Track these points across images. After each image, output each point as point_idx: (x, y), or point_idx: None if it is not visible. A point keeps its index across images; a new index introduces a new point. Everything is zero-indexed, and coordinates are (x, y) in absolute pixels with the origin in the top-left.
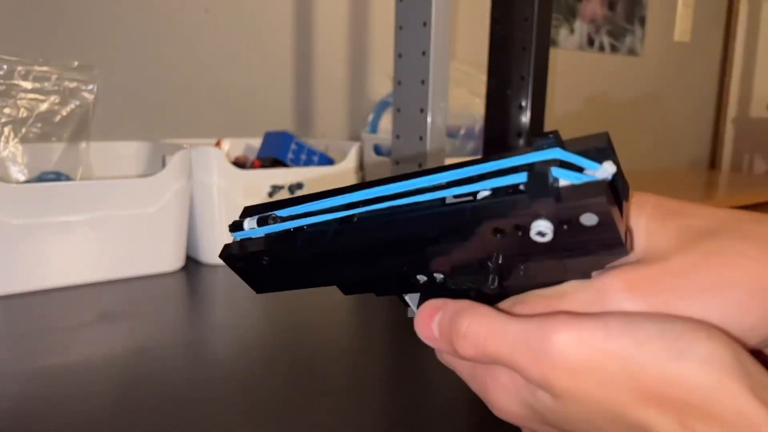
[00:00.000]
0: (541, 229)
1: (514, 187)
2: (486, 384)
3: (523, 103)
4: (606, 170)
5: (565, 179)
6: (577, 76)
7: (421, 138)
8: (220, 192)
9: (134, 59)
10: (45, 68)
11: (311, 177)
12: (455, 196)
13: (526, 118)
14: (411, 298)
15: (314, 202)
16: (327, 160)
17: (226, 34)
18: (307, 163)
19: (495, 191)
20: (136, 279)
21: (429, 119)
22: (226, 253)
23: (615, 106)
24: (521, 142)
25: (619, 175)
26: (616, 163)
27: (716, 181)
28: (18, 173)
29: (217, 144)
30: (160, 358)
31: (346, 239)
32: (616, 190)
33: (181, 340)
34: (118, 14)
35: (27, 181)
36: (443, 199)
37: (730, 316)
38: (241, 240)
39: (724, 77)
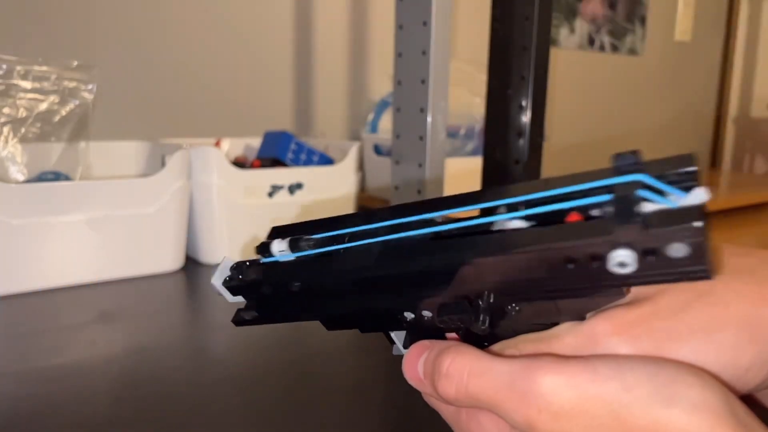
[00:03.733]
0: (623, 259)
1: (584, 213)
2: (470, 428)
3: (524, 103)
4: (699, 196)
5: (652, 204)
6: (578, 75)
7: (421, 138)
8: (219, 192)
9: (134, 59)
10: (44, 68)
11: (311, 177)
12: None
13: (526, 118)
14: (397, 336)
15: (347, 227)
16: (327, 160)
17: (226, 34)
18: (307, 162)
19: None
20: (136, 279)
21: (429, 119)
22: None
23: (615, 105)
24: (521, 142)
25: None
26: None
27: (717, 180)
28: (17, 173)
29: (217, 144)
30: (160, 358)
31: (388, 263)
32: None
33: (180, 340)
34: (118, 14)
35: (26, 181)
36: (490, 225)
37: (724, 358)
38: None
39: (724, 77)
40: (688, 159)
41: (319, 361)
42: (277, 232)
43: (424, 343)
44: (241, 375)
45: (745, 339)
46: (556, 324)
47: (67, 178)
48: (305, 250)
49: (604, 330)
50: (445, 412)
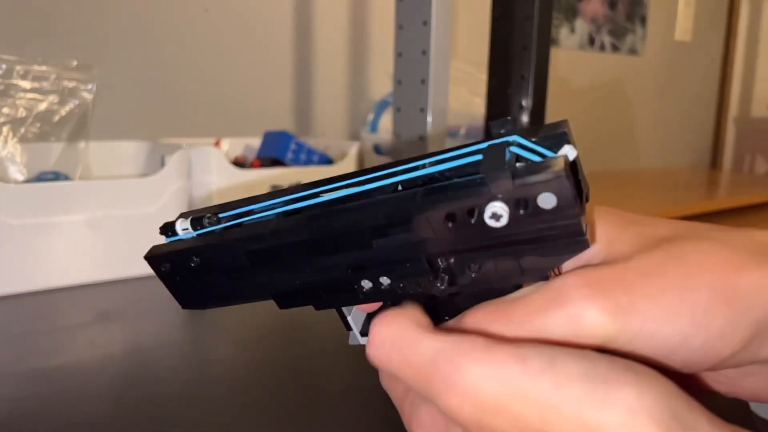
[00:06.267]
0: (496, 210)
1: (468, 172)
2: (410, 418)
3: (524, 103)
4: (566, 151)
5: (522, 160)
6: (578, 75)
7: (421, 138)
8: (219, 192)
9: (134, 59)
10: (44, 68)
11: (311, 177)
12: (403, 185)
13: (526, 118)
14: (354, 320)
15: (257, 203)
16: (327, 160)
17: (226, 34)
18: (307, 162)
19: (446, 176)
20: (136, 279)
21: (429, 119)
22: (151, 253)
23: (616, 105)
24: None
25: (579, 167)
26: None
27: (717, 180)
28: (16, 173)
29: (217, 144)
30: (159, 358)
31: (287, 232)
32: (577, 179)
33: (180, 341)
34: (118, 14)
35: (26, 181)
36: (395, 186)
37: (697, 318)
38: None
39: (725, 77)
40: (559, 124)
41: (319, 361)
42: (183, 215)
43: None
44: (240, 375)
45: (719, 302)
46: (519, 287)
47: (66, 178)
48: (207, 227)
49: (575, 283)
50: (395, 396)
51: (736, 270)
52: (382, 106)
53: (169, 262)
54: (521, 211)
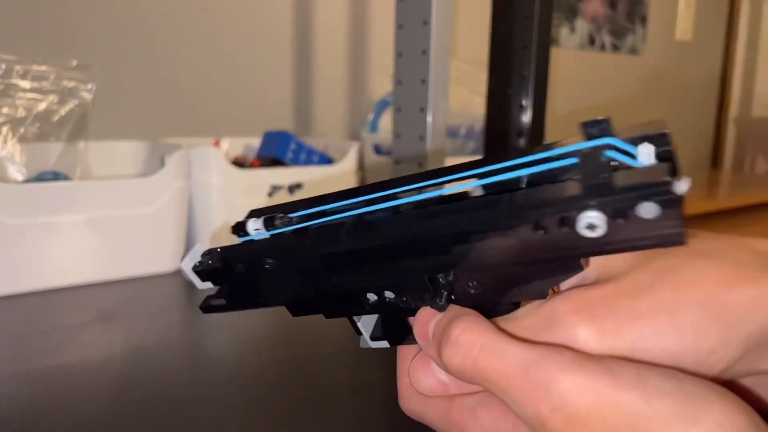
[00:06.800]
0: (592, 221)
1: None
2: (464, 426)
3: (524, 103)
4: (668, 156)
5: (621, 164)
6: (578, 75)
7: (421, 138)
8: (219, 192)
9: (133, 58)
10: (43, 67)
11: (311, 177)
12: (486, 191)
13: (526, 118)
14: (363, 325)
15: (329, 204)
16: (327, 160)
17: (225, 34)
18: (307, 162)
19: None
20: (135, 279)
21: (429, 119)
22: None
23: (615, 105)
24: (522, 141)
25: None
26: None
27: (718, 180)
28: (16, 173)
29: (216, 143)
30: (159, 358)
31: (359, 237)
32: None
33: (180, 341)
34: (117, 13)
35: (25, 181)
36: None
37: (686, 339)
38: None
39: (725, 76)
40: (658, 124)
41: (319, 361)
42: (254, 214)
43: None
44: (241, 375)
45: (708, 320)
46: (518, 305)
47: (66, 178)
48: (280, 228)
49: (564, 309)
50: (432, 411)
51: (727, 286)
52: (382, 106)
53: (245, 263)
54: (620, 221)
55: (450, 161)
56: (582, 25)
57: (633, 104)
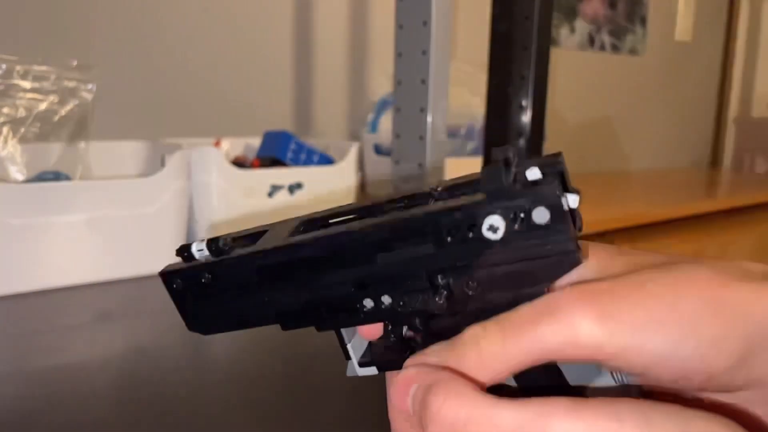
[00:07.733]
0: (493, 222)
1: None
2: None
3: (524, 103)
4: (559, 171)
5: (519, 180)
6: (578, 75)
7: (421, 138)
8: (219, 192)
9: (133, 59)
10: (44, 68)
11: (311, 177)
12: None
13: (526, 118)
14: (354, 347)
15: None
16: (327, 160)
17: (226, 34)
18: (307, 162)
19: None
20: (136, 279)
21: (429, 119)
22: (165, 270)
23: (616, 105)
24: (522, 141)
25: (575, 205)
26: (575, 191)
27: (717, 180)
28: (17, 173)
29: (217, 144)
30: (160, 358)
31: (295, 248)
32: (571, 209)
33: (180, 341)
34: (118, 14)
35: (26, 181)
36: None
37: (686, 327)
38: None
39: (725, 76)
40: (555, 155)
41: (318, 362)
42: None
43: (410, 372)
44: (241, 375)
45: (709, 312)
46: (516, 305)
47: (66, 178)
48: (224, 249)
49: (566, 296)
50: None
51: (724, 285)
52: (382, 106)
53: (182, 278)
54: (516, 226)
55: (450, 161)
56: (582, 26)
57: (632, 105)
